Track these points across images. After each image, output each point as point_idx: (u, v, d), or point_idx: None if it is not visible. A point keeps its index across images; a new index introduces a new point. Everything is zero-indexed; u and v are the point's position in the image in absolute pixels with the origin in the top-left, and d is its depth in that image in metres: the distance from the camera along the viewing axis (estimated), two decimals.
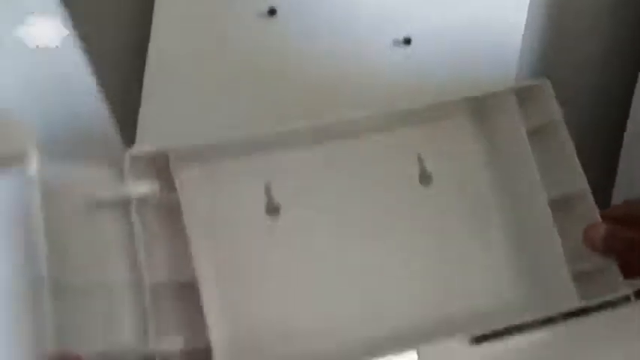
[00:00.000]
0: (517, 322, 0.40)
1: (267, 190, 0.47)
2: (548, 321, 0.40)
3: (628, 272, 0.44)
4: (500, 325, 0.39)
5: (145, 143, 0.44)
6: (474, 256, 0.48)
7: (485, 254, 0.48)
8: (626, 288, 0.43)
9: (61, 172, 0.39)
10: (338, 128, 0.47)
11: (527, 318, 0.41)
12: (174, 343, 0.39)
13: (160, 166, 0.43)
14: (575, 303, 0.43)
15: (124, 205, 0.42)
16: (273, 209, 0.47)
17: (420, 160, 0.50)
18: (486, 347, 0.37)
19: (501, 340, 0.38)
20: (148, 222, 0.42)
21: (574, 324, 0.40)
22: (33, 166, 0.37)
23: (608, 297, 0.43)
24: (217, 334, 0.40)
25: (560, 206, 0.46)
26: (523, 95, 0.48)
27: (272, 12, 0.49)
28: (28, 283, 0.33)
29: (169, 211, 0.43)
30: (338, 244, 0.47)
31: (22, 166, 0.36)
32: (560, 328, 0.40)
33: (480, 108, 0.50)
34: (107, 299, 0.40)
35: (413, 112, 0.48)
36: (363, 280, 0.47)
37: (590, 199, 0.45)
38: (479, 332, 0.38)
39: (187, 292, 0.41)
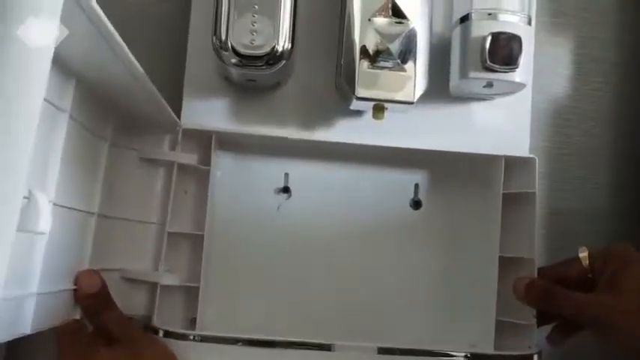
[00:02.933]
0: (423, 347, 0.51)
1: (286, 178, 0.58)
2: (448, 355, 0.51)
3: (546, 319, 0.53)
4: (407, 346, 0.50)
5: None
6: (431, 275, 0.59)
7: (439, 278, 0.59)
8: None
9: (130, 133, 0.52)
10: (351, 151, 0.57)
11: (435, 347, 0.51)
12: (174, 279, 0.53)
13: (204, 144, 0.55)
14: (490, 347, 0.53)
15: (169, 166, 0.54)
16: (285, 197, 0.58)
17: (416, 189, 0.59)
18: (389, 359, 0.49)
19: (402, 356, 0.49)
20: (183, 183, 0.55)
21: None
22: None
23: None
24: (206, 279, 0.54)
25: (509, 264, 0.55)
26: (512, 164, 0.56)
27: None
28: (83, 215, 0.46)
29: (201, 179, 0.55)
30: (331, 235, 0.58)
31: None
32: None
33: (475, 163, 0.58)
34: (138, 233, 0.54)
35: (421, 152, 0.57)
36: (340, 271, 0.58)
37: (534, 265, 0.54)
38: (388, 346, 0.49)
39: (197, 243, 0.54)
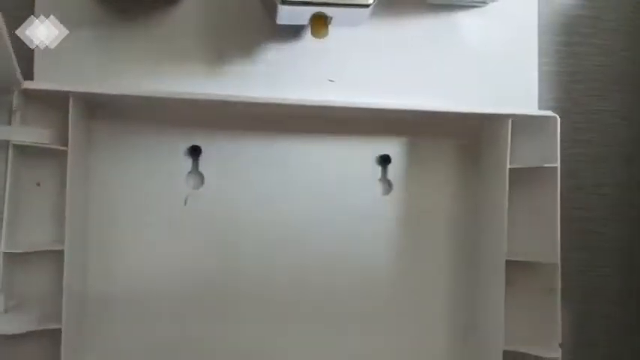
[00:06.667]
0: None
1: (194, 157, 0.40)
2: None
3: None
4: None
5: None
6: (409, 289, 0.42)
7: (419, 292, 0.42)
8: None
9: None
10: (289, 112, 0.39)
11: None
12: (21, 323, 0.34)
13: (57, 113, 0.36)
14: None
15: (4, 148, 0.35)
16: (196, 182, 0.40)
17: (385, 165, 0.42)
18: None
19: None
20: (32, 172, 0.36)
21: None
22: None
23: None
24: (70, 319, 0.35)
25: (519, 272, 0.38)
26: (521, 128, 0.38)
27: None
28: None
29: (57, 165, 0.36)
30: (265, 240, 0.40)
31: None
32: None
33: (467, 129, 0.41)
34: None
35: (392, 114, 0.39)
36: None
37: (557, 273, 0.37)
38: None
39: (52, 261, 0.36)
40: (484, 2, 0.42)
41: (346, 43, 0.40)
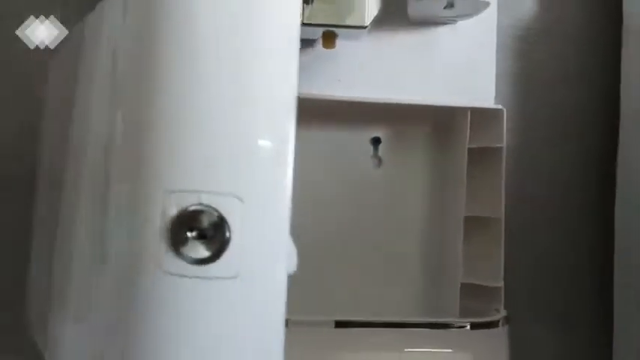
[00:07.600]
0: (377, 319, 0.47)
1: None
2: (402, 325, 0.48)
3: None
4: (362, 318, 0.47)
5: None
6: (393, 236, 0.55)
7: (400, 239, 0.55)
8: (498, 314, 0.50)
9: None
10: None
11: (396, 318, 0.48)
12: None
13: None
14: (454, 311, 0.51)
15: None
16: None
17: (376, 144, 0.55)
18: (346, 331, 0.45)
19: (358, 328, 0.46)
20: None
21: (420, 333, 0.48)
22: None
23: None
24: None
25: (474, 225, 0.51)
26: (478, 117, 0.51)
27: None
28: None
29: None
30: None
31: None
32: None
33: (439, 117, 0.54)
34: None
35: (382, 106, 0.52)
36: None
37: (501, 226, 0.50)
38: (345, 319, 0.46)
39: None
40: (454, 20, 0.54)
41: (349, 52, 0.52)
